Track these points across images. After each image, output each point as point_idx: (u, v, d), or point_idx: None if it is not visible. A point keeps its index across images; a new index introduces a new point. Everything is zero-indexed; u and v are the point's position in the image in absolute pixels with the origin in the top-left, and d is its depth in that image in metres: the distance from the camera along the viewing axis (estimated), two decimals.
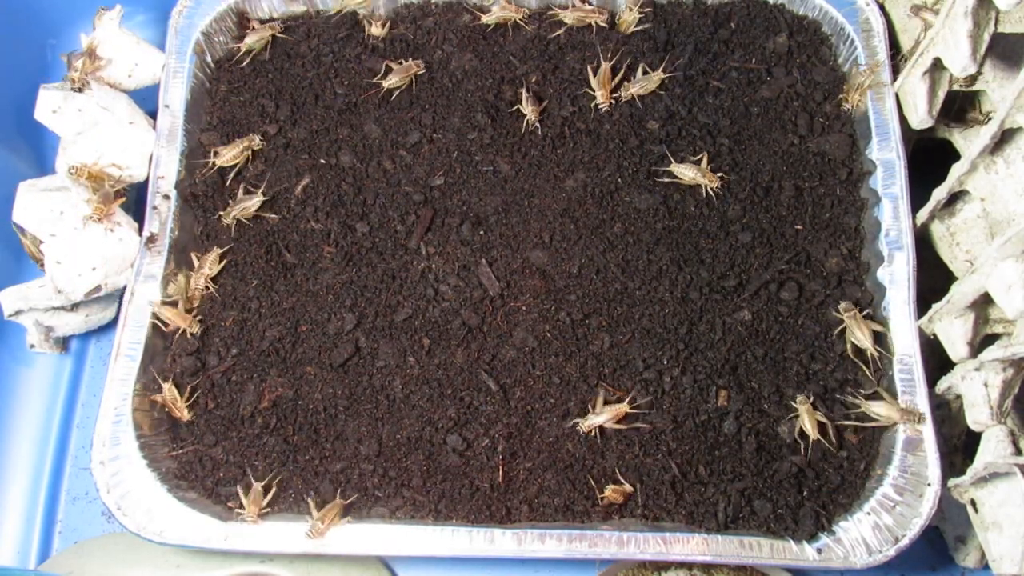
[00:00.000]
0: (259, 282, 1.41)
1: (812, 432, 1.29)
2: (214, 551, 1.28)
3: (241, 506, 1.26)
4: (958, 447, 1.39)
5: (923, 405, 1.27)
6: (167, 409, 1.33)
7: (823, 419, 1.29)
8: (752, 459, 1.28)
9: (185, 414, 1.32)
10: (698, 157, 1.44)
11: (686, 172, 1.42)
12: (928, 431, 1.26)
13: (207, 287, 1.39)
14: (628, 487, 1.26)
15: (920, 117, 1.39)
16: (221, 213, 1.42)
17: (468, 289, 1.39)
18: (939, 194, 1.35)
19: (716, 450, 1.29)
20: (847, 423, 1.30)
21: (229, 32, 1.58)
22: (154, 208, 1.44)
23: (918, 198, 1.39)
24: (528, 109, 1.46)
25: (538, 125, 1.47)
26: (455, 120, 1.49)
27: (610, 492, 1.25)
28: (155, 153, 1.48)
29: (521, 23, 1.54)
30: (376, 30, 1.55)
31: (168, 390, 1.31)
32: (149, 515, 1.26)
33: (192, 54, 1.54)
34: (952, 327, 1.30)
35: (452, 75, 1.53)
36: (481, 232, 1.43)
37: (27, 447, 1.57)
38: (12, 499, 1.54)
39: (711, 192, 1.42)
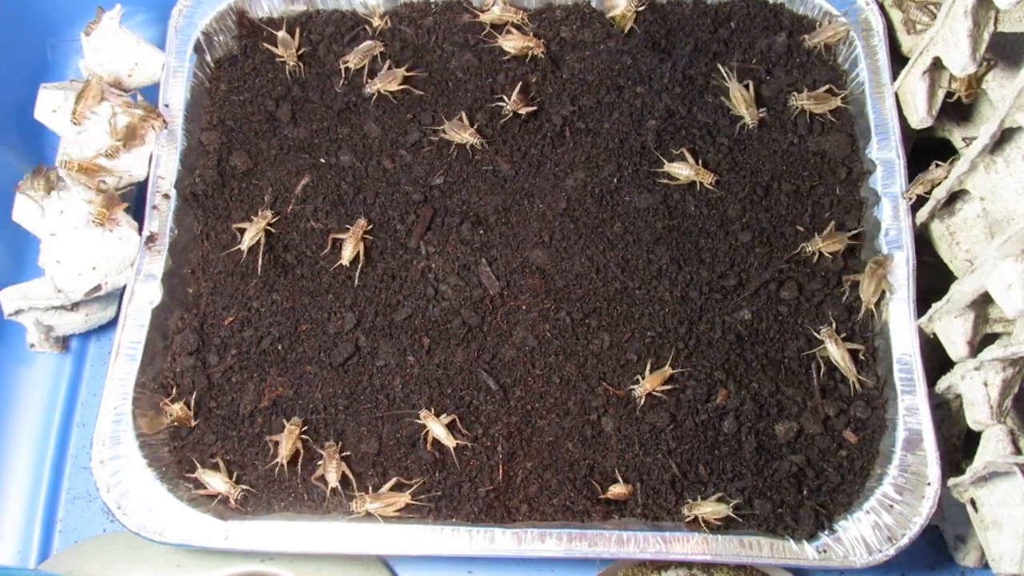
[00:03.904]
0: (259, 282, 1.41)
1: (844, 362, 1.30)
2: (214, 550, 1.28)
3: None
4: (958, 446, 1.39)
5: (923, 404, 1.27)
6: (175, 422, 1.33)
7: (854, 346, 1.32)
8: (752, 458, 1.28)
9: (192, 422, 1.33)
10: (679, 152, 1.44)
11: (680, 171, 1.42)
12: (928, 430, 1.26)
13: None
14: (628, 486, 1.26)
15: (920, 117, 1.39)
16: (240, 247, 1.41)
17: (468, 288, 1.39)
18: (939, 193, 1.35)
19: (716, 449, 1.29)
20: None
21: (229, 32, 1.58)
22: (154, 207, 1.44)
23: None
24: (512, 102, 1.45)
25: (520, 115, 1.46)
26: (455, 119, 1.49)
27: (612, 492, 1.25)
28: (155, 153, 1.48)
29: (520, 23, 1.54)
30: (377, 21, 1.55)
31: (180, 409, 1.32)
32: (149, 514, 1.26)
33: (192, 53, 1.54)
34: (952, 326, 1.30)
35: (452, 75, 1.53)
36: (481, 231, 1.43)
37: (27, 446, 1.57)
38: (12, 498, 1.54)
39: (708, 188, 1.42)
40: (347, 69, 1.51)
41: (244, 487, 1.28)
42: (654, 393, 1.30)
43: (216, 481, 1.27)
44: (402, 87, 1.50)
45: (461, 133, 1.44)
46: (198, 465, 1.29)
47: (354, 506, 1.25)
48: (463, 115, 1.47)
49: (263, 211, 1.43)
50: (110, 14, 1.57)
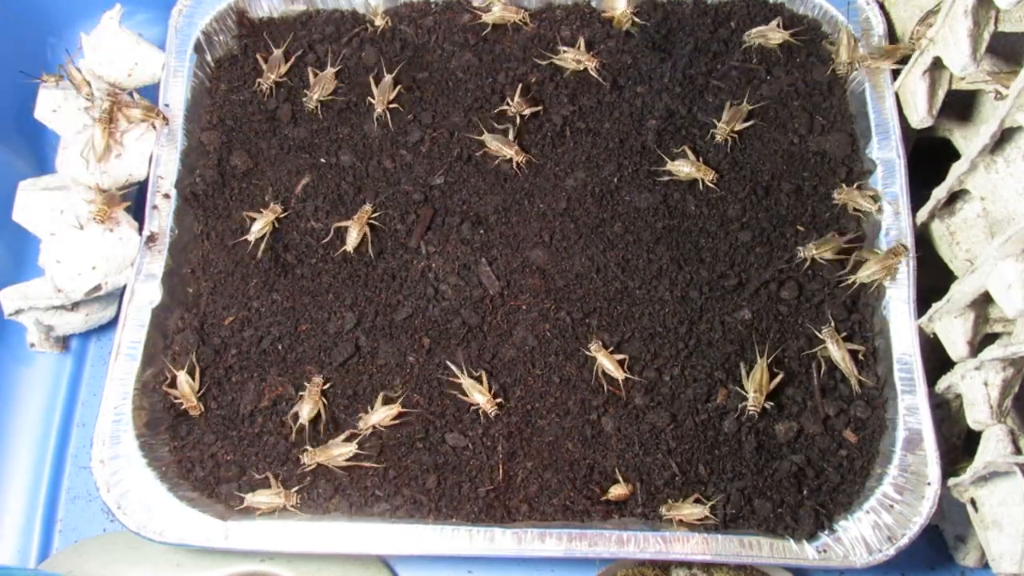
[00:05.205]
0: (259, 282, 1.41)
1: (844, 362, 1.30)
2: (214, 550, 1.28)
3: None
4: (958, 446, 1.39)
5: (923, 404, 1.27)
6: (179, 402, 1.32)
7: (854, 346, 1.32)
8: (752, 458, 1.28)
9: (197, 407, 1.32)
10: (680, 149, 1.44)
11: (682, 168, 1.42)
12: (928, 430, 1.26)
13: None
14: (628, 486, 1.26)
15: (920, 116, 1.39)
16: (247, 237, 1.41)
17: (468, 288, 1.39)
18: (939, 193, 1.35)
19: (716, 449, 1.29)
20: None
21: (229, 31, 1.58)
22: (154, 207, 1.44)
23: (918, 197, 1.39)
24: (516, 104, 1.45)
25: (525, 116, 1.46)
26: (455, 119, 1.49)
27: (613, 493, 1.25)
28: (155, 152, 1.48)
29: (521, 23, 1.54)
30: (378, 21, 1.55)
31: (184, 381, 1.30)
32: (149, 514, 1.26)
33: (192, 53, 1.54)
34: (952, 326, 1.30)
35: (452, 75, 1.53)
36: (481, 231, 1.43)
37: (27, 446, 1.58)
38: (12, 498, 1.54)
39: (709, 186, 1.42)
40: (318, 104, 1.49)
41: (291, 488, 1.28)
42: (605, 371, 1.31)
43: (267, 498, 1.26)
44: (398, 89, 1.50)
45: (507, 149, 1.44)
46: (243, 497, 1.26)
47: (304, 458, 1.27)
48: (508, 131, 1.46)
49: (273, 204, 1.43)
50: (110, 14, 1.57)
